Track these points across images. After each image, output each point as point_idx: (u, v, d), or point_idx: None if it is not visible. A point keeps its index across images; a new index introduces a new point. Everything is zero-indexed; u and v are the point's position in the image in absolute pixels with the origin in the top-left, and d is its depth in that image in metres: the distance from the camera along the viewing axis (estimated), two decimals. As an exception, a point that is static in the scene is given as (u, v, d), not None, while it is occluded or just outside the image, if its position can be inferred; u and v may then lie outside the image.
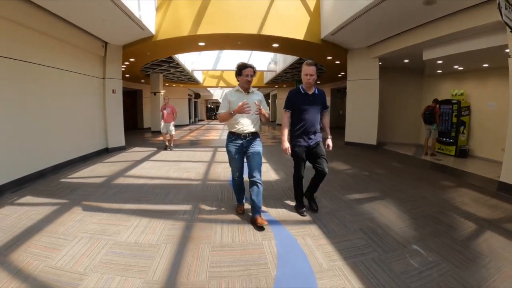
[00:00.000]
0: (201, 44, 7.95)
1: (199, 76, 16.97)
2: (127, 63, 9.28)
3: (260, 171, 2.92)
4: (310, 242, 2.60)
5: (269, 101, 25.45)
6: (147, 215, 3.19)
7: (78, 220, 3.00)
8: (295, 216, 3.23)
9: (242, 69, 2.84)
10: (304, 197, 3.38)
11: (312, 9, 7.25)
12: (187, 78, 15.83)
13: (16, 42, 4.36)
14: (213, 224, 2.99)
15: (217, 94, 30.08)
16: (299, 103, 3.01)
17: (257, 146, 2.94)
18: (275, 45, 8.01)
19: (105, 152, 7.38)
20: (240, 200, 3.31)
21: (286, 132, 3.05)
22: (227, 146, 2.99)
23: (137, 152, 7.62)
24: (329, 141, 3.16)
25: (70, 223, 2.93)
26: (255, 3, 6.89)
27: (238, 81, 2.94)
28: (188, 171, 5.40)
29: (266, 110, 2.90)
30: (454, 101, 7.55)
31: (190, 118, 22.16)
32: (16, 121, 4.33)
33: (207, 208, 3.48)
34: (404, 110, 9.72)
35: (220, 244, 2.55)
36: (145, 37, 7.09)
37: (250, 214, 3.06)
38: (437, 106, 7.31)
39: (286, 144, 2.99)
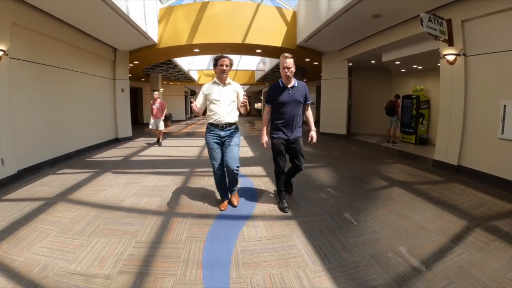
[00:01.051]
0: (196, 50, 9.28)
1: (194, 75, 18.20)
2: (131, 65, 10.28)
3: (237, 161, 2.97)
4: (260, 183, 4.13)
5: (261, 97, 26.78)
6: (160, 174, 4.64)
7: (112, 178, 4.40)
8: (257, 173, 4.68)
9: (217, 60, 2.87)
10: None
11: (289, 20, 8.59)
12: (183, 77, 16.98)
13: (48, 51, 5.40)
14: (204, 177, 4.48)
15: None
16: (278, 97, 2.94)
17: (235, 138, 2.97)
18: (258, 50, 9.39)
19: (115, 141, 8.69)
20: (223, 196, 3.17)
21: (265, 126, 3.08)
22: (206, 137, 2.97)
23: (143, 141, 8.91)
24: (313, 133, 3.07)
25: (106, 180, 4.31)
26: (240, 17, 8.22)
27: (215, 72, 2.95)
28: (186, 152, 6.85)
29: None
30: (413, 96, 8.67)
31: (186, 114, 23.13)
32: (47, 114, 5.36)
33: (200, 170, 4.96)
34: (376, 104, 10.63)
35: (207, 185, 4.05)
36: (149, 45, 8.35)
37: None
38: (398, 100, 8.46)
39: (265, 138, 3.02)
